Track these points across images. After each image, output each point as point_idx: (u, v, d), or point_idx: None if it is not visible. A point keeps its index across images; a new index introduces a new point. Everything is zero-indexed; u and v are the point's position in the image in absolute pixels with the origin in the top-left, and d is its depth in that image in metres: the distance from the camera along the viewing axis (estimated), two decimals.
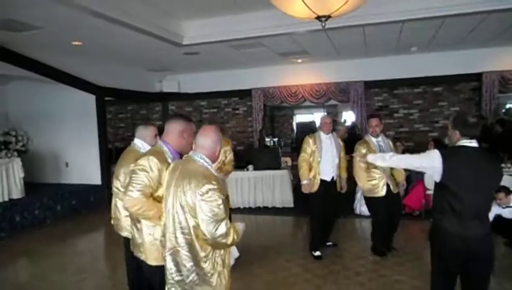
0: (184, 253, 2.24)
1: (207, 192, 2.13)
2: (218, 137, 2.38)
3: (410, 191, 7.03)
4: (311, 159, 5.01)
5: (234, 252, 4.78)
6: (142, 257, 2.75)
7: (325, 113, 10.70)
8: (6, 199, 7.15)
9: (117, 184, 3.47)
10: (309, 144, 5.06)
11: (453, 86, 8.57)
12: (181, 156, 2.72)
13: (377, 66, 8.70)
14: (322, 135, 5.11)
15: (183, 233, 2.23)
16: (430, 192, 6.75)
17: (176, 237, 2.26)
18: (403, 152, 7.54)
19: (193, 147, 2.44)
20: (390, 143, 5.15)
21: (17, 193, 7.36)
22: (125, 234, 3.43)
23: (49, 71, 7.00)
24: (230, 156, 4.92)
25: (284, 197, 7.81)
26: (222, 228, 2.15)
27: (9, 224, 6.73)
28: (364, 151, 4.65)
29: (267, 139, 10.84)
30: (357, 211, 7.19)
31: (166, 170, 2.50)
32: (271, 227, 6.85)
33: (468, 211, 2.56)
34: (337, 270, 3.87)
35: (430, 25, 5.94)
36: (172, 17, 5.91)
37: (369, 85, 8.88)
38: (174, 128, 2.69)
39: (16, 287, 4.74)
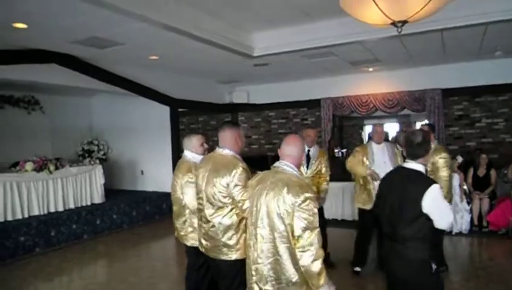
0: (283, 261, 2.30)
1: (305, 200, 2.24)
2: (303, 145, 2.59)
3: (495, 207, 6.48)
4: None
5: None
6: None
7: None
8: (89, 203, 7.71)
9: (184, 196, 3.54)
10: (358, 154, 4.82)
11: None
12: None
13: (456, 73, 8.14)
14: (374, 145, 4.77)
15: (283, 242, 2.29)
16: None
17: (275, 246, 2.31)
18: (488, 165, 6.94)
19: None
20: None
21: (98, 198, 7.88)
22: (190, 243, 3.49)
23: (128, 84, 7.44)
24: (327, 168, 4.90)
25: (354, 210, 7.51)
26: (314, 238, 2.22)
27: (91, 227, 7.21)
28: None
29: (336, 150, 10.59)
30: None
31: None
32: (340, 241, 6.57)
33: None
34: None
35: None
36: (243, 29, 6.01)
37: (447, 93, 8.33)
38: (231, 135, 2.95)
39: (97, 286, 5.03)
